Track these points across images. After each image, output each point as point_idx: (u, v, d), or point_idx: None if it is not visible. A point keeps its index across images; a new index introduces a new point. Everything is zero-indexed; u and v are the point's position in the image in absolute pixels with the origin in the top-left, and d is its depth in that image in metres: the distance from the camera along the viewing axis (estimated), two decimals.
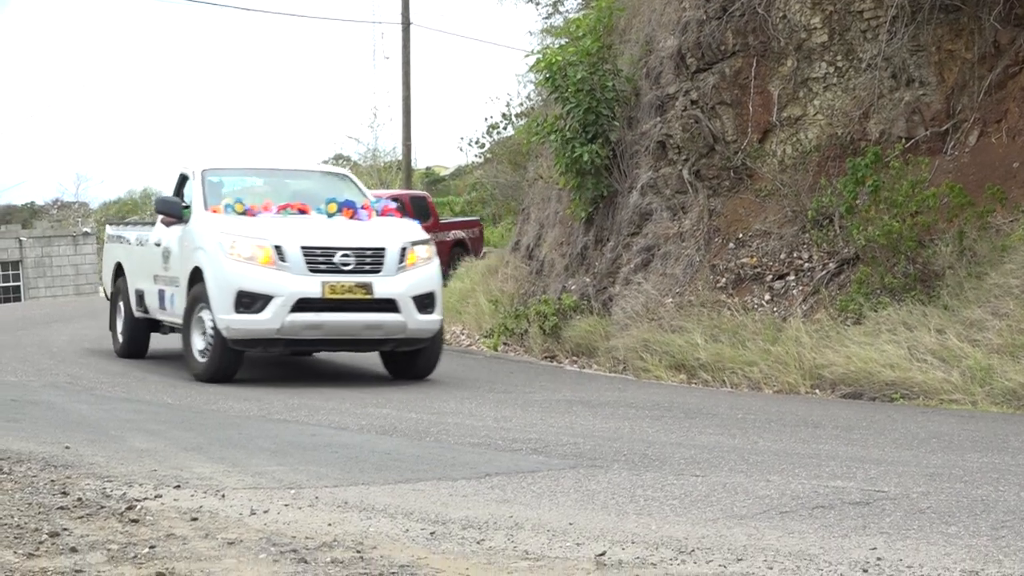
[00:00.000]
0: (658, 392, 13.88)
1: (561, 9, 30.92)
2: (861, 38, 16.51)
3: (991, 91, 15.54)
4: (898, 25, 15.97)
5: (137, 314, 16.38)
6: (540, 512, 6.90)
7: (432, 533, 6.35)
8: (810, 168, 16.59)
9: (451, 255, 28.36)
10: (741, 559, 5.78)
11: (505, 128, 32.93)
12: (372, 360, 15.77)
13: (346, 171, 17.48)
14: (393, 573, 5.50)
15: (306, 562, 5.67)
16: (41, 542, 5.96)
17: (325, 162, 58.73)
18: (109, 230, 18.26)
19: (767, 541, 6.15)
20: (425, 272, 14.19)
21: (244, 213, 14.40)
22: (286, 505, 7.01)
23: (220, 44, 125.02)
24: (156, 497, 7.15)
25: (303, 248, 13.66)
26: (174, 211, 15.02)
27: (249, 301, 13.50)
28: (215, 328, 13.63)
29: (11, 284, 51.41)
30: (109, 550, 5.84)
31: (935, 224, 14.65)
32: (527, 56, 35.62)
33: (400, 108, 43.30)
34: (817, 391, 13.68)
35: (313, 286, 13.51)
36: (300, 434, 10.04)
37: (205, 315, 13.79)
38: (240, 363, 14.02)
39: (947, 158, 15.62)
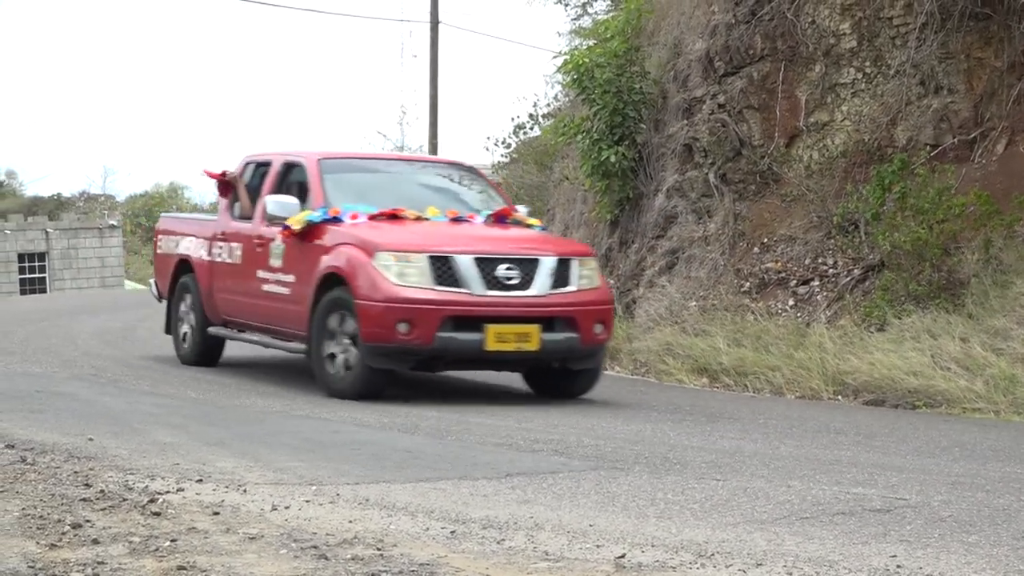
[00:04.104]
0: (680, 395, 13.87)
1: (590, 11, 30.87)
2: (890, 44, 16.46)
3: (1020, 99, 15.48)
4: (927, 32, 15.92)
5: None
6: (560, 513, 6.91)
7: (452, 532, 6.36)
8: (836, 174, 16.55)
9: None
10: (761, 564, 5.78)
11: (531, 128, 32.86)
12: None
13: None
14: (413, 571, 5.51)
15: (326, 558, 5.68)
16: (64, 533, 5.99)
17: None
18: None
19: (787, 547, 6.15)
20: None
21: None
22: (307, 501, 7.03)
23: (249, 40, 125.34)
24: (178, 491, 7.17)
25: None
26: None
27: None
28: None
29: (37, 276, 51.64)
30: (131, 542, 5.86)
31: (961, 232, 14.61)
32: (555, 57, 35.59)
33: (427, 106, 43.32)
34: (840, 397, 13.65)
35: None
36: (322, 431, 10.07)
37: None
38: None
39: (974, 166, 15.57)
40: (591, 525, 6.59)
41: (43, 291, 49.61)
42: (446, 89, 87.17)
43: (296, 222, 12.97)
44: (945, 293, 14.24)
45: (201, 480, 7.53)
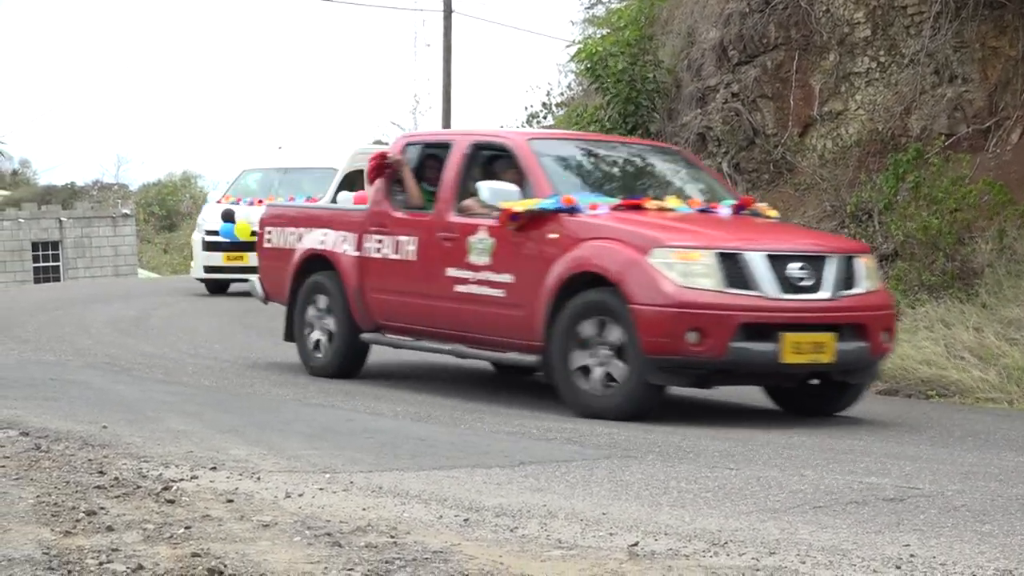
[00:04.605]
0: None
1: None
2: (904, 33, 16.44)
3: None
4: (942, 21, 15.90)
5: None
6: (574, 501, 6.91)
7: (466, 520, 6.37)
8: (850, 163, 16.54)
9: None
10: (774, 553, 5.78)
11: (545, 117, 32.84)
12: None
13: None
14: (426, 559, 5.52)
15: (340, 546, 5.69)
16: (78, 520, 6.00)
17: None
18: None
19: (800, 535, 6.15)
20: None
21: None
22: (321, 489, 7.04)
23: (261, 29, 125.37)
24: (192, 478, 7.19)
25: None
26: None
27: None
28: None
29: (51, 264, 51.71)
30: (145, 530, 5.88)
31: (975, 221, 14.60)
32: (568, 46, 35.62)
33: (441, 95, 43.31)
34: None
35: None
36: (336, 419, 10.08)
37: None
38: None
39: (988, 155, 15.55)
40: (604, 513, 6.59)
41: (57, 280, 49.65)
42: (459, 78, 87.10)
43: (518, 209, 11.16)
44: (959, 283, 14.22)
45: (215, 468, 7.54)
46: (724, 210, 11.51)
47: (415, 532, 6.04)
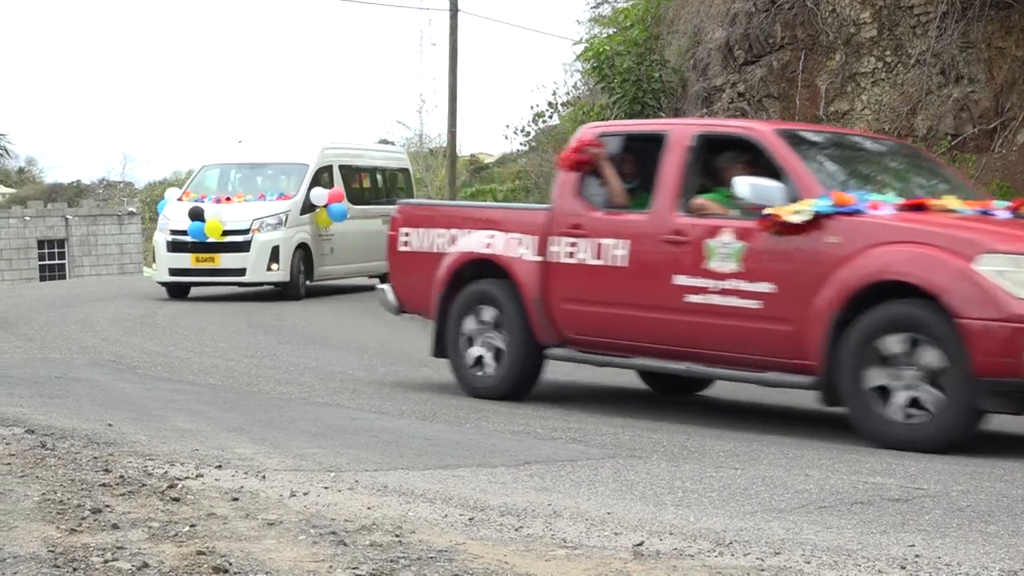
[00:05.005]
0: None
1: None
2: (910, 34, 16.44)
3: None
4: (948, 21, 15.90)
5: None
6: (578, 501, 6.91)
7: (471, 519, 6.37)
8: None
9: None
10: (779, 553, 5.78)
11: (551, 117, 32.92)
12: (411, 345, 15.79)
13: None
14: (431, 558, 5.52)
15: (345, 544, 5.70)
16: (83, 518, 6.01)
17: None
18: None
19: (805, 535, 6.15)
20: None
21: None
22: (326, 488, 7.04)
23: (268, 28, 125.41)
24: (197, 476, 7.19)
25: None
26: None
27: None
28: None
29: (56, 262, 51.75)
30: (150, 527, 5.88)
31: None
32: (575, 45, 35.64)
33: (447, 94, 43.32)
34: None
35: None
36: (341, 418, 10.08)
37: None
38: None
39: (994, 156, 15.54)
40: (609, 513, 6.60)
41: (62, 277, 49.70)
42: (465, 77, 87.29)
43: (792, 213, 9.77)
44: None
45: (220, 466, 7.55)
46: (1001, 212, 10.25)
47: (420, 531, 6.05)
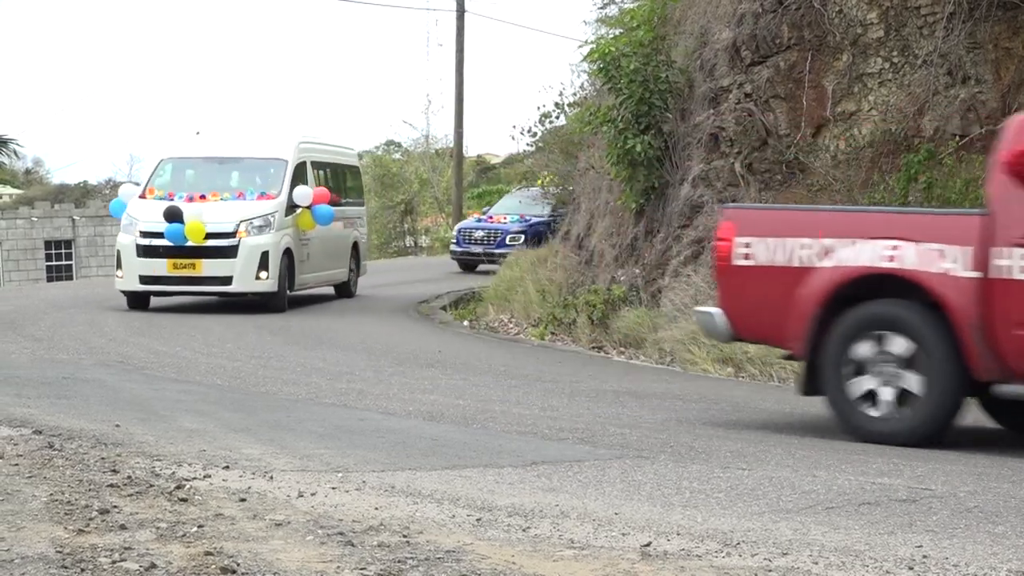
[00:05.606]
0: (705, 385, 13.85)
1: None
2: (917, 34, 16.41)
3: None
4: (955, 22, 15.87)
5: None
6: (586, 501, 6.92)
7: (478, 520, 6.37)
8: (863, 164, 16.51)
9: None
10: (786, 553, 5.79)
11: (557, 117, 32.85)
12: (418, 346, 15.79)
13: None
14: (439, 558, 5.53)
15: (352, 545, 5.70)
16: (91, 519, 6.02)
17: (377, 147, 58.84)
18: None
19: (813, 536, 6.15)
20: None
21: None
22: (333, 488, 7.05)
23: (274, 29, 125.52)
24: (205, 477, 7.20)
25: None
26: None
27: None
28: None
29: (63, 263, 51.82)
30: (158, 528, 5.89)
31: None
32: (581, 46, 35.62)
33: (453, 95, 43.36)
34: None
35: None
36: (348, 418, 10.09)
37: None
38: None
39: None
40: (617, 513, 6.60)
41: (69, 278, 49.72)
42: (472, 78, 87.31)
43: None
44: None
45: (228, 467, 7.55)
46: None
47: (428, 531, 6.05)
